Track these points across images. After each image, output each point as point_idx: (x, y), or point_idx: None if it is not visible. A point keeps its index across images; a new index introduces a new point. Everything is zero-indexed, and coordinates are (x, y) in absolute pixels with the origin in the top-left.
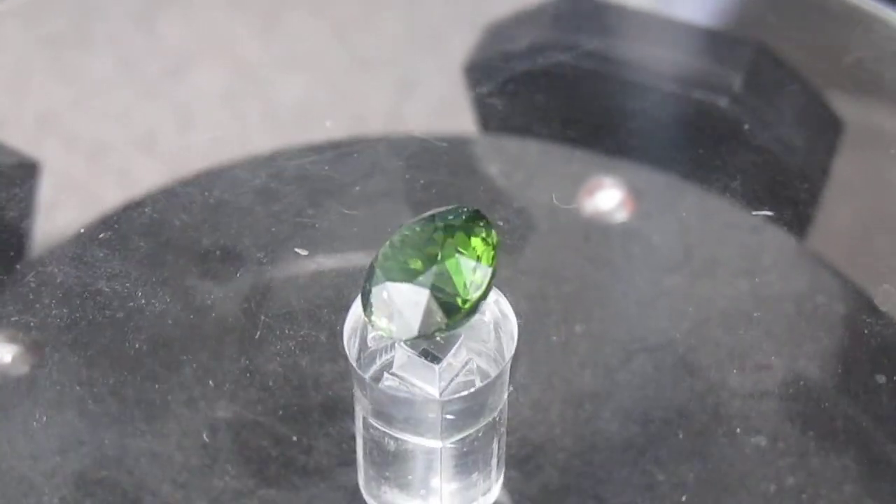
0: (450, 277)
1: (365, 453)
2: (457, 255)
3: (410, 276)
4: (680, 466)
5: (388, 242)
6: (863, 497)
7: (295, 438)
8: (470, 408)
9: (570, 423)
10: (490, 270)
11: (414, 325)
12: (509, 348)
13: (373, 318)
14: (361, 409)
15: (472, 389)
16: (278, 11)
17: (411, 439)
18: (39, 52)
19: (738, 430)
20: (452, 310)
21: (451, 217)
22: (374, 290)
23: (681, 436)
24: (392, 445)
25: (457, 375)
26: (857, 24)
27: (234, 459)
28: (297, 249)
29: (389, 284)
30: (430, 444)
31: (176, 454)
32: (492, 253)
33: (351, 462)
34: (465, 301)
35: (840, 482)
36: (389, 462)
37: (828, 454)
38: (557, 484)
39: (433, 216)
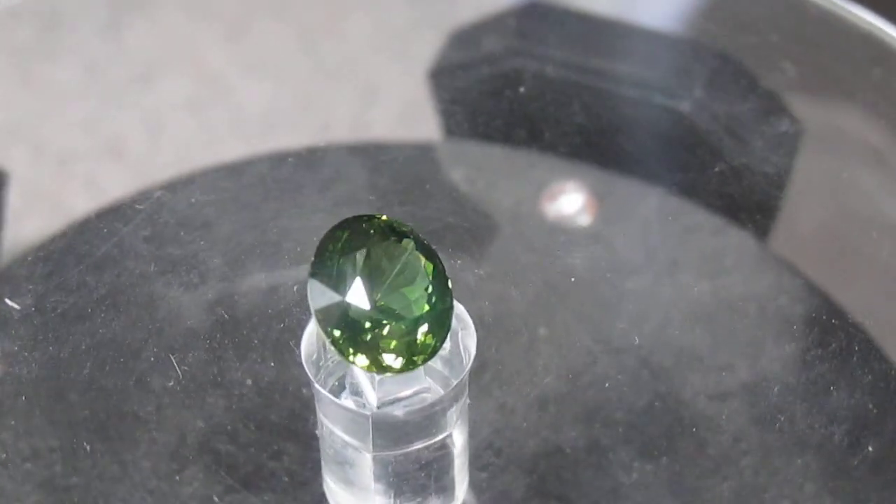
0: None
1: (328, 463)
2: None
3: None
4: (644, 467)
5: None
6: (823, 495)
7: (262, 444)
8: (431, 416)
9: (534, 425)
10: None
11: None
12: (468, 354)
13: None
14: (327, 422)
15: (430, 401)
16: (244, 19)
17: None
18: (5, 61)
19: (701, 430)
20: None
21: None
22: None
23: (644, 437)
24: (357, 455)
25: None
26: (817, 26)
27: (202, 465)
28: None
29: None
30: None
31: (144, 461)
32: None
33: (318, 467)
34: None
35: (801, 481)
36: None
37: (789, 454)
38: (522, 486)
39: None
